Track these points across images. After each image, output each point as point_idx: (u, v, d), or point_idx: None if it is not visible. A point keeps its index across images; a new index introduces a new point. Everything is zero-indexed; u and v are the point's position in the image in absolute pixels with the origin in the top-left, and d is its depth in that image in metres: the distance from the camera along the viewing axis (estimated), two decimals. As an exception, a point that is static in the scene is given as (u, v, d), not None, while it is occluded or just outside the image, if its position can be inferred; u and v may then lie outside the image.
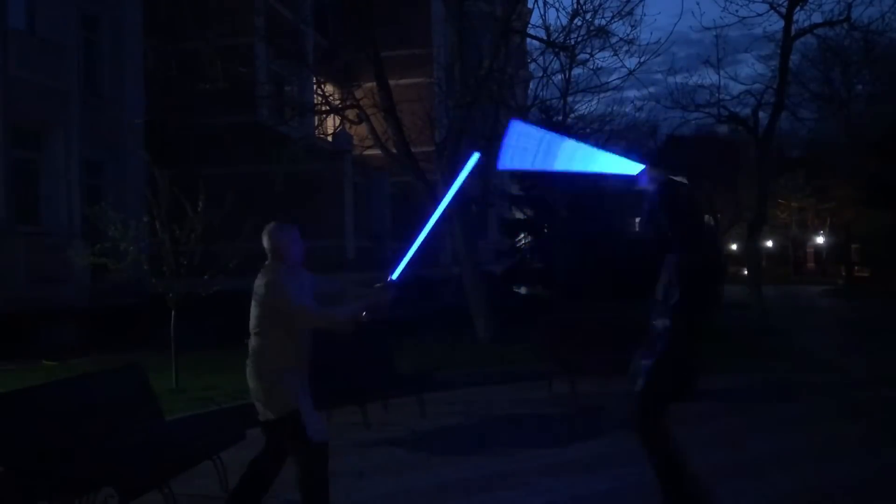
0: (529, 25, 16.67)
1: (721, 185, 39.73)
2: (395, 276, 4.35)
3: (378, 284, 4.38)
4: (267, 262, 4.37)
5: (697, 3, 25.18)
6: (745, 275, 23.56)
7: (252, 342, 4.38)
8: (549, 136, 4.33)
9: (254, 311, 4.34)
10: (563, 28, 14.62)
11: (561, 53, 15.64)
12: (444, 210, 4.40)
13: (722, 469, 5.16)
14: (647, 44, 24.71)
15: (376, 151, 14.08)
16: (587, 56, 16.23)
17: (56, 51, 14.27)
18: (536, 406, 8.42)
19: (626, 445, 6.56)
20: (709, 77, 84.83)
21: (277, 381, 4.27)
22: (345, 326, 4.34)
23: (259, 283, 4.28)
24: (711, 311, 4.48)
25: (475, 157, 4.48)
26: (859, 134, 26.60)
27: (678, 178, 4.41)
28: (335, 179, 18.44)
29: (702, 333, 4.33)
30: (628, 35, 16.06)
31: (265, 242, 4.35)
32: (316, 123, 20.73)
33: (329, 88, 16.33)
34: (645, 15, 29.88)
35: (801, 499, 5.08)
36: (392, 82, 13.40)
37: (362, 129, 14.05)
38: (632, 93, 57.92)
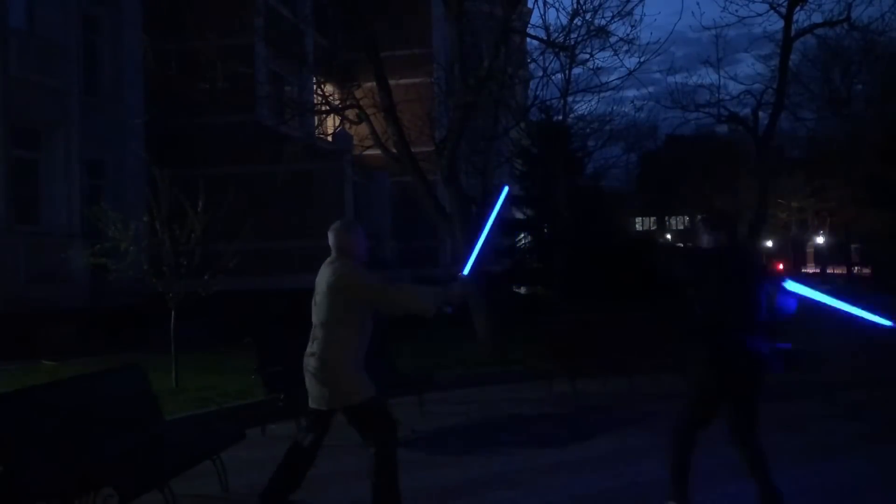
0: (529, 25, 16.65)
1: (721, 185, 39.74)
2: (465, 271, 4.57)
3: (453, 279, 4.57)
4: (331, 257, 4.54)
5: (697, 3, 25.19)
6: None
7: (318, 333, 4.49)
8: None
9: (322, 301, 4.46)
10: (563, 28, 14.58)
11: (561, 53, 15.62)
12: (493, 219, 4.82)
13: (721, 469, 5.16)
14: (647, 43, 24.69)
15: (376, 151, 14.06)
16: (587, 56, 16.20)
17: (56, 51, 14.27)
18: (536, 406, 8.42)
19: (626, 445, 6.59)
20: (708, 77, 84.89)
21: (348, 370, 4.42)
22: (427, 309, 4.44)
23: (327, 275, 4.44)
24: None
25: (505, 190, 4.90)
26: (859, 134, 26.57)
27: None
28: (335, 179, 18.44)
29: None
30: (628, 35, 16.01)
31: (331, 240, 4.55)
32: (316, 123, 20.72)
33: (329, 88, 16.32)
34: (645, 15, 29.92)
35: (800, 498, 5.08)
36: (392, 82, 13.37)
37: (362, 129, 14.03)
38: (631, 92, 58.01)
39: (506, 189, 5.24)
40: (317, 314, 4.51)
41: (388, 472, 4.39)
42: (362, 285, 4.41)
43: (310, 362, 4.49)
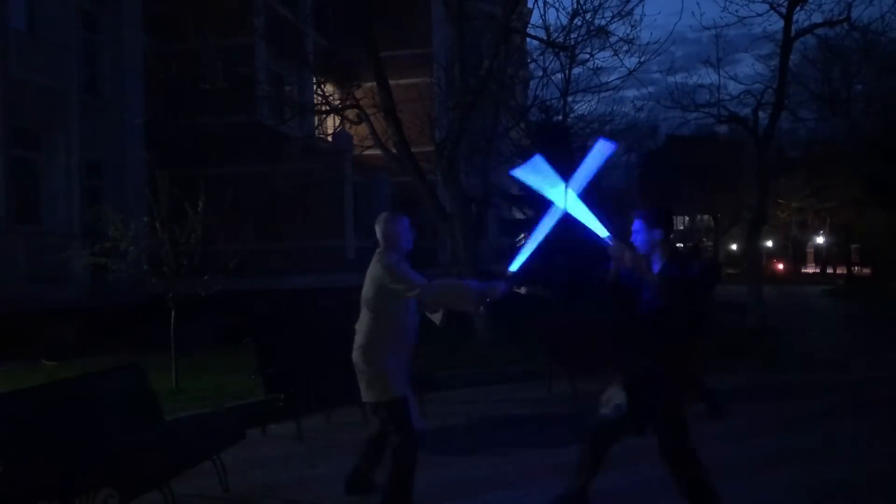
0: (529, 25, 16.67)
1: (721, 185, 39.72)
2: (513, 268, 4.52)
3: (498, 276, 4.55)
4: (379, 249, 4.62)
5: (697, 3, 25.21)
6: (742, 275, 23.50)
7: (361, 325, 4.59)
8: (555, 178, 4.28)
9: (365, 293, 4.56)
10: (563, 28, 14.64)
11: (561, 53, 15.65)
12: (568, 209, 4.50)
13: (722, 469, 5.15)
14: (647, 43, 24.71)
15: (376, 151, 14.07)
16: (587, 56, 16.24)
17: (56, 51, 14.27)
18: (536, 406, 8.42)
19: (625, 445, 6.57)
20: (708, 77, 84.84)
21: (382, 366, 4.49)
22: (470, 302, 4.51)
23: (375, 268, 4.53)
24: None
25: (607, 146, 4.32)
26: (859, 134, 26.55)
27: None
28: (335, 179, 18.43)
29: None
30: (628, 35, 16.03)
31: (377, 231, 4.63)
32: (316, 123, 20.71)
33: (329, 88, 16.32)
34: (645, 15, 29.95)
35: (800, 498, 5.09)
36: (392, 82, 13.39)
37: (362, 129, 14.04)
38: (631, 92, 58.03)
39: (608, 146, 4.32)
40: (363, 305, 4.62)
41: (401, 476, 4.44)
42: (405, 283, 4.44)
43: (353, 353, 4.61)
